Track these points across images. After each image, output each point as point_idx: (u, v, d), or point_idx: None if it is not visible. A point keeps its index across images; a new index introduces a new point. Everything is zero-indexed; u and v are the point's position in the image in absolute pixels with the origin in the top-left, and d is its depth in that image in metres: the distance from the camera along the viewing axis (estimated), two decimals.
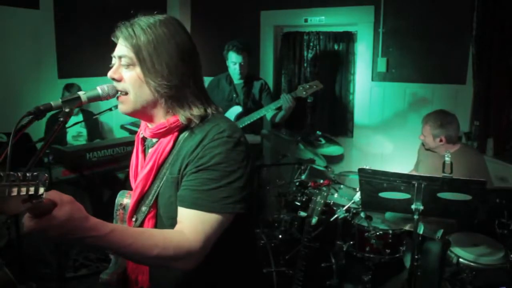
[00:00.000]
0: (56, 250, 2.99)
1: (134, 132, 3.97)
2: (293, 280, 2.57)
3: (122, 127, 4.22)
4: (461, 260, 2.39)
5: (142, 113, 1.17)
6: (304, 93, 3.17)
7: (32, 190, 0.80)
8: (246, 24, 4.73)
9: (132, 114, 1.17)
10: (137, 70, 1.13)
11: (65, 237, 0.90)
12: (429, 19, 3.87)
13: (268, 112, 3.31)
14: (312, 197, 2.68)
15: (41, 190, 0.82)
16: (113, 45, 1.17)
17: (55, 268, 3.03)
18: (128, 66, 1.13)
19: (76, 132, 4.02)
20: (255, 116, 3.26)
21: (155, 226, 1.18)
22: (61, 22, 4.06)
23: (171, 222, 1.12)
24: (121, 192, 1.32)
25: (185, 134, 1.16)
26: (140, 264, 1.06)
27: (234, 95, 3.46)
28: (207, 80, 3.36)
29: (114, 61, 1.17)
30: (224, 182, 1.08)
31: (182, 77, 1.14)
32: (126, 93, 1.14)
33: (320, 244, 2.87)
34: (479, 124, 3.64)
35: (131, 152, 1.33)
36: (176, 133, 1.16)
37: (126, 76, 1.14)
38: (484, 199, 2.06)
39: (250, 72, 3.51)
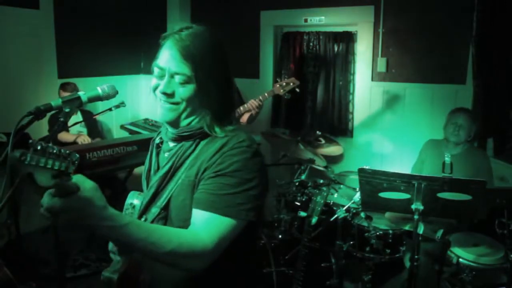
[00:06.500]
0: (56, 250, 2.99)
1: (134, 132, 3.97)
2: (293, 280, 2.57)
3: (122, 127, 4.22)
4: (461, 260, 2.38)
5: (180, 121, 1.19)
6: (281, 90, 3.19)
7: (63, 166, 0.82)
8: (246, 24, 4.73)
9: (174, 122, 1.19)
10: (192, 87, 1.14)
11: (82, 221, 0.92)
12: (429, 19, 3.87)
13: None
14: (312, 197, 2.68)
15: (71, 168, 0.84)
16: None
17: (55, 268, 3.03)
18: (184, 83, 1.14)
19: (76, 131, 4.03)
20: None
21: None
22: (61, 22, 4.06)
23: (182, 224, 1.13)
24: (132, 192, 1.34)
25: (205, 141, 1.19)
26: (153, 259, 1.06)
27: None
28: None
29: (158, 71, 1.16)
30: (241, 189, 1.11)
31: (224, 94, 1.18)
32: (177, 104, 1.16)
33: (320, 244, 2.87)
34: (479, 124, 3.63)
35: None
36: (197, 140, 1.19)
37: (180, 92, 1.15)
38: (485, 199, 2.05)
39: None
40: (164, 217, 1.19)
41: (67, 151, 0.83)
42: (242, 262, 1.24)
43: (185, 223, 1.13)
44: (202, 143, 1.19)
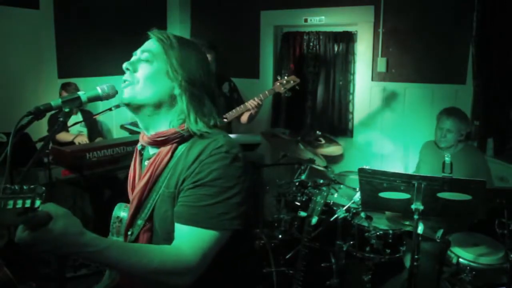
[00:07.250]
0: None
1: (134, 132, 3.97)
2: (293, 280, 2.57)
3: (122, 127, 4.22)
4: (461, 260, 2.38)
5: (141, 108, 1.16)
6: (282, 89, 3.17)
7: (28, 203, 0.80)
8: (246, 24, 4.73)
9: (132, 104, 1.16)
10: (154, 66, 1.15)
11: (59, 251, 0.89)
12: (429, 19, 3.87)
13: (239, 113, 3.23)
14: (312, 197, 2.68)
15: (37, 203, 0.81)
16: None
17: (55, 268, 3.03)
18: (147, 61, 1.16)
19: (76, 131, 4.04)
20: (229, 116, 3.16)
21: (150, 239, 1.17)
22: (61, 22, 4.06)
23: (167, 236, 1.11)
24: (118, 205, 1.32)
25: (182, 147, 1.15)
26: (138, 278, 1.04)
27: None
28: None
29: (134, 57, 1.20)
30: (222, 198, 1.07)
31: (199, 87, 1.16)
32: (133, 82, 1.16)
33: (320, 244, 2.87)
34: (479, 124, 3.63)
35: (131, 152, 1.34)
36: (174, 145, 1.16)
37: (142, 68, 1.15)
38: (484, 199, 2.05)
39: (219, 71, 3.39)
40: (150, 229, 1.17)
41: (31, 186, 0.80)
42: (229, 269, 1.20)
43: (169, 235, 1.10)
44: (179, 150, 1.15)
